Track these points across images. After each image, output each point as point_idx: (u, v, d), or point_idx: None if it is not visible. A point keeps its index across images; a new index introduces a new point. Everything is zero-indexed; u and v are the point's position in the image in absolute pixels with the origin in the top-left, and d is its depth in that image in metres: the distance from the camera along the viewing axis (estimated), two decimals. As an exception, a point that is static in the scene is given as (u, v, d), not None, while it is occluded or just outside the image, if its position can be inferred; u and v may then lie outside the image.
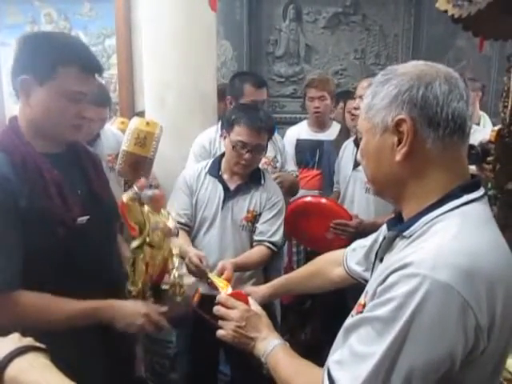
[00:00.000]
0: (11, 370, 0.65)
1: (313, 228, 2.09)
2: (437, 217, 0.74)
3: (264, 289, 1.34)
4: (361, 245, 1.16)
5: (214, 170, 1.83)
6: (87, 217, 1.17)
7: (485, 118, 2.78)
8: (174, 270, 1.32)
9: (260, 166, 2.03)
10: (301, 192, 2.46)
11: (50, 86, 1.10)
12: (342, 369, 0.73)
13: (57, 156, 1.19)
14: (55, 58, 1.10)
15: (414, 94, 0.75)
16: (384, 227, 1.03)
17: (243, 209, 1.80)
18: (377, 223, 1.72)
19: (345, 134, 2.63)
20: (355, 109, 2.09)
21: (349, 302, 1.93)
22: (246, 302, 1.08)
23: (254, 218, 1.81)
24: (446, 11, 1.26)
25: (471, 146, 1.54)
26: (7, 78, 3.68)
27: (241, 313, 1.03)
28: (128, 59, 3.34)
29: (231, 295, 1.10)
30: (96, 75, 1.19)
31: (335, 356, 0.76)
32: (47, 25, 3.57)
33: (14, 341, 0.70)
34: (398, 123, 0.76)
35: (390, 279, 0.70)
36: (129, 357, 1.45)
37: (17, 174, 1.08)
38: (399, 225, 0.83)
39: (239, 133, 1.72)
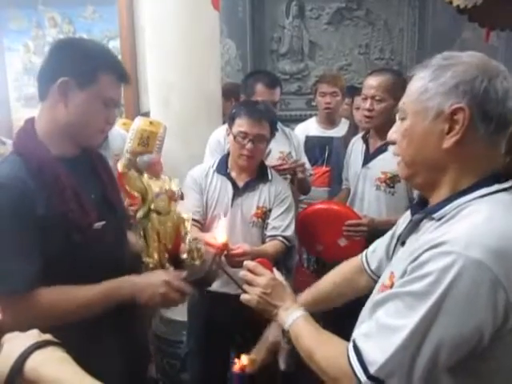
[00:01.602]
0: (31, 362, 0.68)
1: (324, 236, 2.05)
2: (467, 202, 0.77)
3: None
4: (380, 244, 1.16)
5: (222, 168, 1.84)
6: (103, 222, 1.17)
7: None
8: (188, 235, 1.31)
9: (275, 161, 2.04)
10: (318, 190, 2.45)
11: (90, 90, 1.13)
12: (369, 340, 0.75)
13: (72, 160, 1.19)
14: (96, 63, 1.13)
15: (477, 86, 0.75)
16: (400, 221, 1.05)
17: (253, 205, 1.80)
18: (390, 221, 1.68)
19: (353, 130, 2.61)
20: (369, 110, 2.02)
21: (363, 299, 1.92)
22: (271, 271, 1.10)
23: (263, 215, 1.81)
24: (450, 2, 1.24)
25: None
26: (14, 83, 3.71)
27: (267, 280, 1.04)
28: (132, 60, 3.35)
29: (258, 262, 1.10)
30: (124, 84, 1.22)
31: (362, 329, 0.79)
32: (51, 29, 3.58)
33: (34, 336, 0.73)
34: (455, 111, 0.76)
35: (423, 257, 0.73)
36: (143, 357, 1.45)
37: (33, 178, 1.08)
38: (425, 208, 0.85)
39: (240, 124, 1.74)
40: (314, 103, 2.98)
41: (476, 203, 0.76)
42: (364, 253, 1.20)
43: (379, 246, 1.15)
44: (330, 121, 2.83)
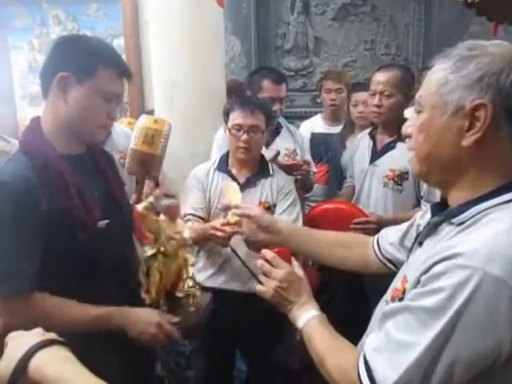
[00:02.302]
0: (35, 361, 0.68)
1: None
2: (489, 208, 0.71)
3: (283, 225, 1.24)
4: (395, 228, 1.12)
5: (223, 166, 1.84)
6: (107, 221, 1.17)
7: None
8: (189, 280, 1.31)
9: (281, 158, 2.03)
10: (316, 187, 2.43)
11: (90, 85, 1.13)
12: (379, 356, 0.72)
13: (77, 158, 1.19)
14: (96, 58, 1.13)
15: (503, 80, 0.69)
16: (419, 214, 1.01)
17: (255, 201, 1.80)
18: (397, 219, 1.67)
19: (349, 127, 2.59)
20: (377, 106, 2.00)
21: (370, 298, 1.90)
22: (289, 262, 1.05)
23: (267, 210, 1.80)
24: (458, -4, 1.22)
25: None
26: (19, 81, 3.72)
27: (285, 274, 0.99)
28: (136, 58, 3.35)
29: (277, 253, 1.05)
30: (125, 80, 1.22)
31: (371, 341, 0.75)
32: (55, 26, 3.59)
33: (38, 335, 0.74)
34: (477, 108, 0.71)
35: (437, 268, 0.68)
36: (149, 356, 1.44)
37: (38, 177, 1.08)
38: (445, 211, 0.80)
39: (234, 117, 1.77)
40: (319, 100, 2.96)
41: (498, 210, 0.70)
42: (379, 233, 1.18)
43: (393, 229, 1.12)
44: (336, 118, 2.80)
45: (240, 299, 1.74)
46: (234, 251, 1.28)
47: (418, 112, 0.81)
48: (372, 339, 0.76)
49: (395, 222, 1.44)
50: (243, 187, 1.79)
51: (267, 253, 1.04)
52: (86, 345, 0.89)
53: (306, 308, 0.95)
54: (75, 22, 3.58)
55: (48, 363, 0.69)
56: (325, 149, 2.76)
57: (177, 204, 1.28)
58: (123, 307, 1.18)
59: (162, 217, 1.23)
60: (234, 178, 1.80)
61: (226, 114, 1.82)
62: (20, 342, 0.72)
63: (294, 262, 1.07)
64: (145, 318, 1.18)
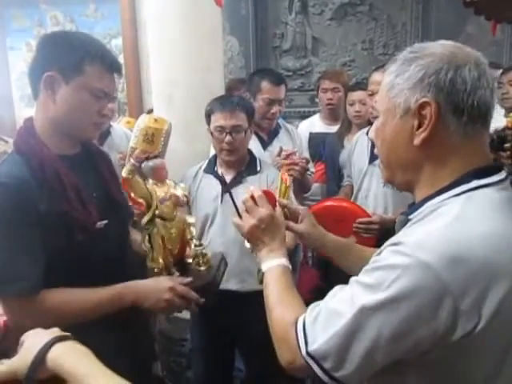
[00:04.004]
0: (52, 353, 0.71)
1: (333, 234, 2.02)
2: (442, 201, 0.74)
3: (306, 225, 1.18)
4: None
5: (210, 168, 1.84)
6: (106, 221, 1.16)
7: (496, 105, 2.72)
8: (194, 240, 1.30)
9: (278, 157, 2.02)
10: (314, 185, 2.43)
11: (76, 82, 1.10)
12: (315, 320, 0.76)
13: (73, 158, 1.18)
14: (81, 55, 1.10)
15: (442, 78, 0.72)
16: None
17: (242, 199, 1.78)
18: None
19: (346, 126, 2.60)
20: (373, 107, 2.01)
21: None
22: (274, 206, 1.06)
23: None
24: (457, -5, 1.22)
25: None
26: (17, 83, 3.71)
27: (265, 215, 1.00)
28: (135, 59, 3.34)
29: (265, 192, 1.06)
30: (116, 74, 1.19)
31: (314, 306, 0.79)
32: (53, 27, 3.58)
33: (55, 332, 0.77)
34: (422, 106, 0.73)
35: (383, 253, 0.73)
36: (147, 356, 1.44)
37: (35, 178, 1.07)
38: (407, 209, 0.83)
39: (215, 120, 1.74)
40: (317, 100, 2.97)
41: (450, 203, 0.72)
42: None
43: None
44: (334, 117, 2.81)
45: (237, 298, 1.73)
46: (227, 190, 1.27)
47: (375, 117, 0.85)
48: (315, 304, 0.79)
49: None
50: (229, 186, 1.76)
51: (255, 191, 1.05)
52: (84, 344, 0.88)
53: (274, 254, 0.97)
54: (73, 22, 3.57)
55: (63, 355, 0.72)
56: (324, 148, 2.76)
57: (162, 164, 1.23)
58: (130, 282, 1.17)
59: (150, 181, 1.20)
60: (220, 178, 1.79)
61: (208, 116, 1.79)
62: (36, 338, 0.75)
63: (278, 208, 1.07)
64: (157, 286, 1.16)
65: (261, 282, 0.96)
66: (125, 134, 2.33)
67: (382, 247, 0.75)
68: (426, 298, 0.66)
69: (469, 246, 0.66)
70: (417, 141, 0.75)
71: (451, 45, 0.77)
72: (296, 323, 0.79)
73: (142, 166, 1.18)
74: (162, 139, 1.48)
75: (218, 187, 1.79)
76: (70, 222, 1.09)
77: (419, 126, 0.74)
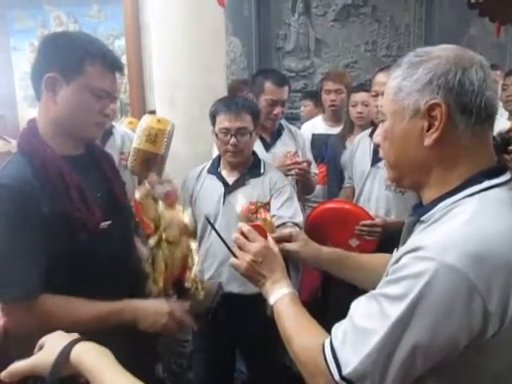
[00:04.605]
0: (75, 351, 0.76)
1: (335, 236, 1.97)
2: (455, 202, 0.74)
3: (299, 243, 1.17)
4: None
5: (213, 168, 1.83)
6: (109, 222, 1.16)
7: (500, 107, 2.72)
8: (195, 267, 1.30)
9: (282, 160, 2.01)
10: (317, 187, 2.43)
11: (77, 83, 1.09)
12: (344, 340, 0.74)
13: (76, 159, 1.18)
14: (82, 55, 1.09)
15: (451, 79, 0.73)
16: None
17: (244, 202, 1.78)
18: (402, 222, 1.65)
19: (349, 127, 2.59)
20: (381, 107, 2.00)
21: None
22: (265, 238, 1.04)
23: (260, 209, 1.77)
24: (461, -3, 1.22)
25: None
26: (20, 83, 3.73)
27: (260, 248, 0.99)
28: (137, 59, 3.34)
29: (254, 226, 1.05)
30: (117, 73, 1.18)
31: (338, 327, 0.77)
32: (57, 28, 3.59)
33: (74, 335, 0.82)
34: (432, 107, 0.74)
35: (402, 261, 0.72)
36: (149, 358, 1.44)
37: (38, 179, 1.07)
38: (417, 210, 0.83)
39: (220, 121, 1.73)
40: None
41: (464, 203, 0.73)
42: None
43: None
44: (337, 118, 2.81)
45: (239, 301, 1.73)
46: (209, 222, 1.31)
47: (382, 121, 0.84)
48: (339, 324, 0.78)
49: (399, 224, 1.43)
50: (232, 188, 1.76)
51: (243, 226, 1.04)
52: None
53: (279, 285, 0.95)
54: (77, 23, 3.59)
55: (85, 353, 0.76)
56: (326, 149, 2.76)
57: (174, 189, 1.25)
58: (131, 300, 1.17)
59: (160, 204, 1.21)
60: (224, 180, 1.78)
61: (212, 117, 1.77)
62: (59, 339, 0.79)
63: (270, 238, 1.06)
64: (155, 309, 1.17)
65: (271, 315, 0.94)
66: (127, 135, 2.33)
67: (398, 254, 0.74)
68: (457, 300, 0.66)
69: (488, 244, 0.67)
70: (428, 141, 0.75)
71: (455, 48, 0.78)
72: (323, 349, 0.76)
73: (155, 189, 1.20)
74: (165, 140, 1.48)
75: (221, 189, 1.78)
76: (72, 223, 1.09)
77: (429, 128, 0.75)
